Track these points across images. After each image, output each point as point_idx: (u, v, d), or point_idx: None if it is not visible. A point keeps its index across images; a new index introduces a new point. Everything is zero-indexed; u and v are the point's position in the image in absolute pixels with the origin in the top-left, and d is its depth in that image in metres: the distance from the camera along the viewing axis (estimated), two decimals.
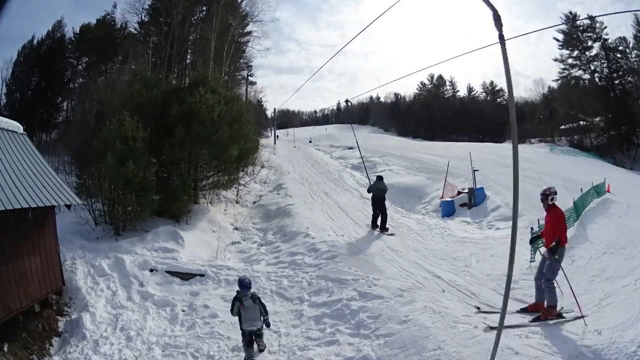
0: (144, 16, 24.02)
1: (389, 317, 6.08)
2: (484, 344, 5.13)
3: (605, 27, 31.98)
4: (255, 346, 5.96)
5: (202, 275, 8.59)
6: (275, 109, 42.65)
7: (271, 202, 14.12)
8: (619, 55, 32.14)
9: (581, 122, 33.98)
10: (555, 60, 35.27)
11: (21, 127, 8.78)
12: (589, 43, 33.07)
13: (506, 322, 4.46)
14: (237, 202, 14.48)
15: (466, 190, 13.58)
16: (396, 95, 55.73)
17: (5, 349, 6.10)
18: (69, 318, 7.25)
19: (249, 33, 26.82)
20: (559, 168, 19.67)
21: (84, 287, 7.90)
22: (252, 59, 30.11)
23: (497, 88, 49.05)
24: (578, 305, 5.52)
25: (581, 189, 11.76)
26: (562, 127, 36.10)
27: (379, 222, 10.72)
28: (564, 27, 32.85)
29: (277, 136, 38.49)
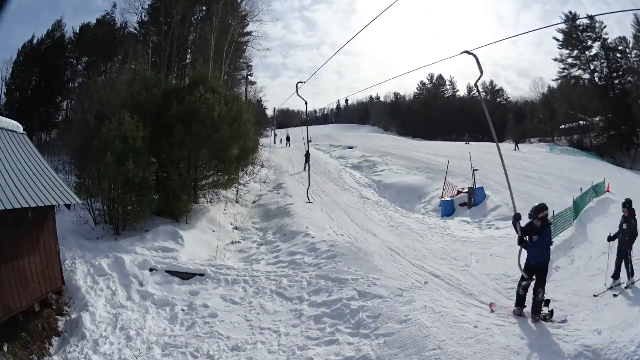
0: (144, 16, 24.01)
1: (388, 316, 6.08)
2: (484, 343, 5.14)
3: (605, 27, 31.98)
4: None
5: (202, 275, 8.60)
6: (275, 108, 42.55)
7: (271, 202, 14.12)
8: (619, 55, 32.11)
9: (581, 122, 33.95)
10: (555, 60, 35.26)
11: (21, 127, 8.78)
12: (589, 43, 33.06)
13: None
14: (237, 202, 14.48)
15: (466, 190, 13.57)
16: (396, 95, 55.68)
17: (5, 348, 6.10)
18: (69, 318, 7.25)
19: (249, 33, 26.83)
20: (559, 168, 19.68)
21: (84, 286, 7.90)
22: (252, 59, 30.08)
23: (497, 88, 49.10)
24: None
25: (581, 189, 11.77)
26: (562, 127, 36.07)
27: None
28: (563, 26, 32.85)
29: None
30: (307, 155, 19.54)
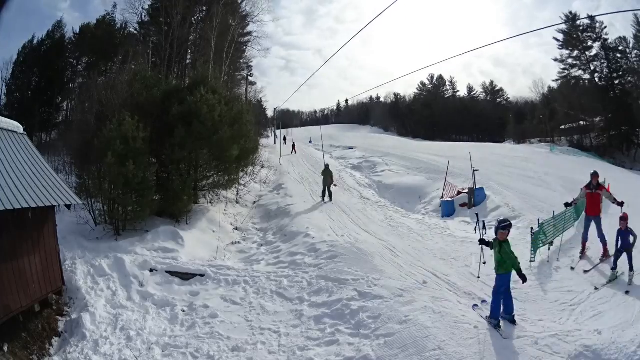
0: (144, 16, 24.01)
1: (389, 317, 6.09)
2: (483, 344, 5.14)
3: (605, 27, 31.97)
4: None
5: (202, 275, 8.60)
6: (275, 109, 42.50)
7: (271, 202, 14.12)
8: (619, 55, 32.08)
9: (581, 122, 33.92)
10: (555, 60, 35.25)
11: (21, 127, 8.78)
12: (589, 43, 33.04)
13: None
14: (237, 202, 14.48)
15: (466, 190, 13.56)
16: (396, 95, 55.65)
17: (5, 349, 6.10)
18: (69, 318, 7.25)
19: (249, 33, 26.84)
20: (559, 168, 19.66)
21: (84, 287, 7.90)
22: (252, 59, 30.08)
23: (497, 88, 48.98)
24: None
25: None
26: (562, 127, 36.04)
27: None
28: (564, 26, 32.84)
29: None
30: (293, 145, 28.77)
